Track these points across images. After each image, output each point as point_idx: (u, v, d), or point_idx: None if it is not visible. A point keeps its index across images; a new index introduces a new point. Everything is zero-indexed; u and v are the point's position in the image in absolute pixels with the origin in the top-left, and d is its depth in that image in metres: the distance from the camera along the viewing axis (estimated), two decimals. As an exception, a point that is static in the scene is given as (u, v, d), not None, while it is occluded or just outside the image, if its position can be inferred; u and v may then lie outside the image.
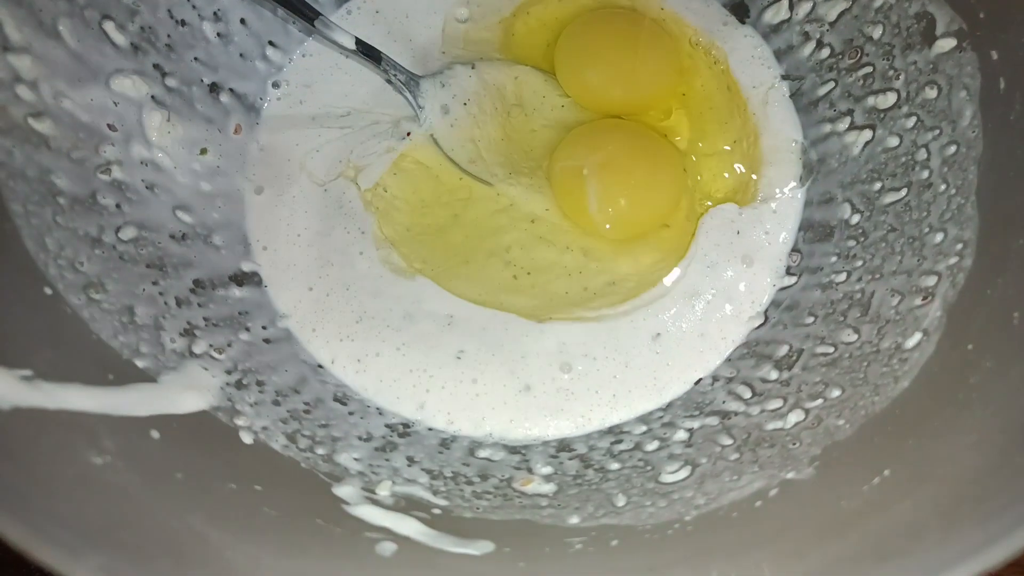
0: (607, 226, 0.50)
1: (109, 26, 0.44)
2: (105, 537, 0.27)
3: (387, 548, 0.36)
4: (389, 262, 0.50)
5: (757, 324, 0.50)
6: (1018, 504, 0.27)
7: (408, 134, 0.52)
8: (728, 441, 0.43)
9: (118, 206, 0.43)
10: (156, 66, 0.47)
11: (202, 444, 0.38)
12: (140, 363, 0.39)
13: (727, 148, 0.53)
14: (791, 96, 0.53)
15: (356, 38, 0.49)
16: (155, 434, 0.36)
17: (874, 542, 0.30)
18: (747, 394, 0.46)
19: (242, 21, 0.51)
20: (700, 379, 0.49)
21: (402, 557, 0.35)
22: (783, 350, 0.47)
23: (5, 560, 0.30)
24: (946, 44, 0.44)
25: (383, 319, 0.49)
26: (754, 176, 0.52)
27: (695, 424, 0.46)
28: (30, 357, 0.33)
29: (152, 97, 0.46)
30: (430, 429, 0.48)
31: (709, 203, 0.52)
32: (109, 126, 0.44)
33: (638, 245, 0.51)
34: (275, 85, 0.53)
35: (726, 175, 0.52)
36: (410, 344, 0.49)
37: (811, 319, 0.47)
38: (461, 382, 0.48)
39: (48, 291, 0.37)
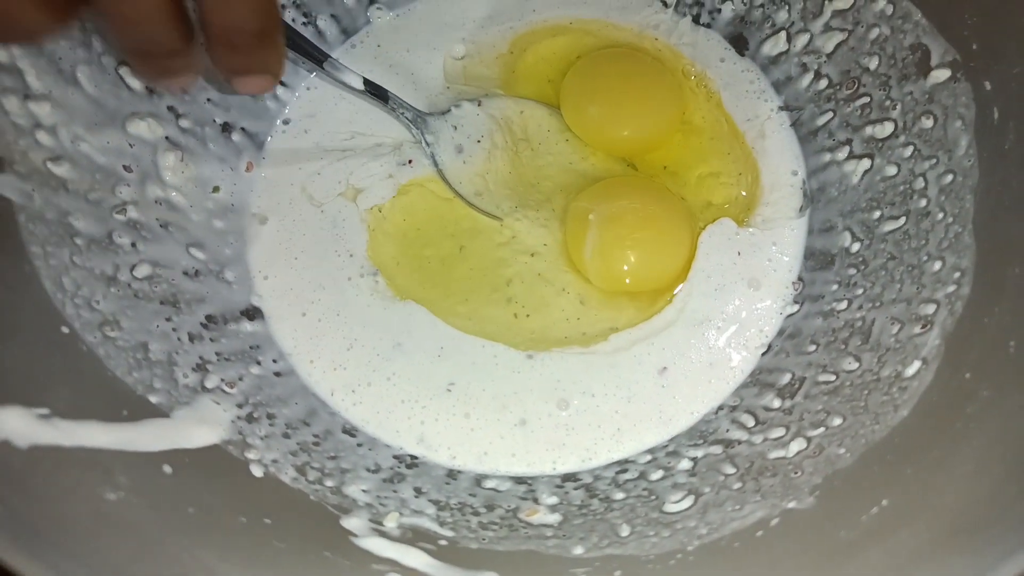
0: (597, 278, 0.51)
1: (125, 71, 0.46)
2: (116, 570, 0.28)
3: (394, 580, 0.36)
4: (376, 291, 0.51)
5: (762, 352, 0.50)
6: (1013, 534, 0.28)
7: (410, 161, 0.54)
8: (731, 470, 0.43)
9: (133, 245, 0.45)
10: (170, 108, 0.48)
11: (213, 478, 0.39)
12: (153, 399, 0.40)
13: (729, 178, 0.53)
14: (791, 126, 0.54)
15: (364, 78, 0.51)
16: (168, 469, 0.37)
17: (872, 571, 0.30)
18: (750, 423, 0.46)
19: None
20: (704, 408, 0.49)
21: (408, 589, 0.36)
22: (786, 378, 0.47)
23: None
24: (941, 75, 0.44)
25: (373, 347, 0.50)
26: (743, 193, 0.53)
27: (699, 453, 0.46)
28: (47, 395, 0.34)
29: (166, 138, 0.48)
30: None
31: (719, 206, 0.53)
32: (125, 167, 0.46)
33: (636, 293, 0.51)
34: (285, 122, 0.55)
35: (723, 192, 0.53)
36: (400, 374, 0.49)
37: (813, 347, 0.47)
38: (454, 415, 0.49)
39: (65, 330, 0.38)
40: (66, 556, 0.27)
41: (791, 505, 0.38)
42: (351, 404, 0.49)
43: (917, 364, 0.41)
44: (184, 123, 0.49)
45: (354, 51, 0.57)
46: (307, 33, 0.55)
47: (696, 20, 0.57)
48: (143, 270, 0.45)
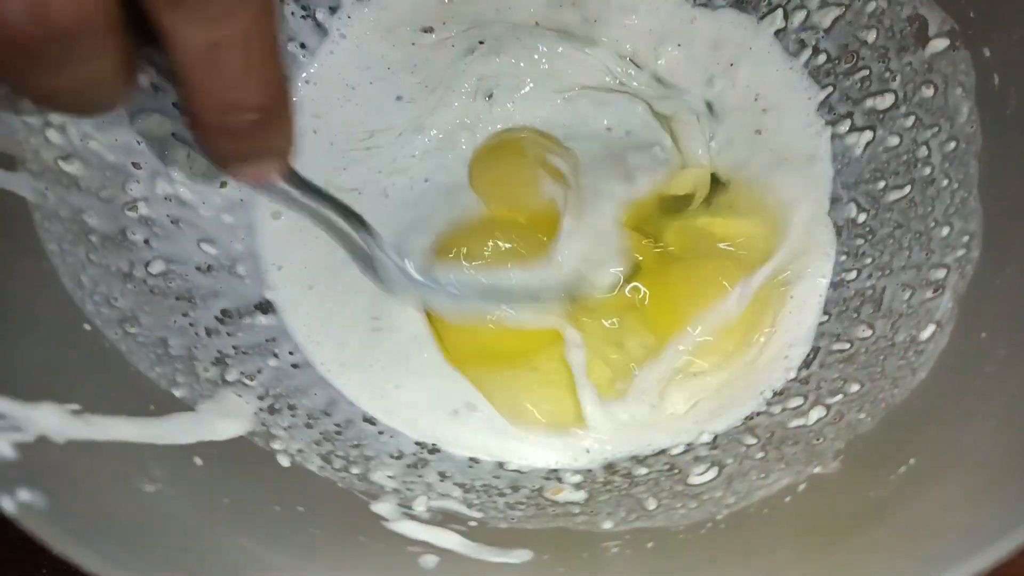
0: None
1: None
2: (170, 560, 0.28)
3: (430, 561, 0.37)
4: None
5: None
6: (1044, 483, 0.28)
7: None
8: (752, 441, 0.44)
9: (146, 241, 0.45)
10: (175, 105, 0.48)
11: (243, 469, 0.39)
12: (177, 393, 0.40)
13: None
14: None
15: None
16: (198, 461, 0.37)
17: (906, 527, 0.31)
18: (768, 394, 0.47)
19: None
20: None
21: (445, 569, 0.36)
22: (800, 349, 0.48)
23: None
24: (939, 44, 0.45)
25: (394, 347, 0.49)
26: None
27: (719, 427, 0.47)
28: (77, 391, 0.34)
29: (173, 135, 0.48)
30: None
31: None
32: (134, 164, 0.45)
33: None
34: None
35: None
36: (417, 372, 0.49)
37: (825, 317, 0.48)
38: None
39: (87, 327, 0.38)
40: (117, 545, 0.27)
41: (816, 470, 0.39)
42: (368, 399, 0.49)
43: (931, 328, 0.41)
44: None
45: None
46: (306, 27, 0.55)
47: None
48: (157, 266, 0.45)
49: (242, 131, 0.29)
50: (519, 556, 0.38)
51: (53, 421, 0.32)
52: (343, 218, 0.45)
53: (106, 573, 0.25)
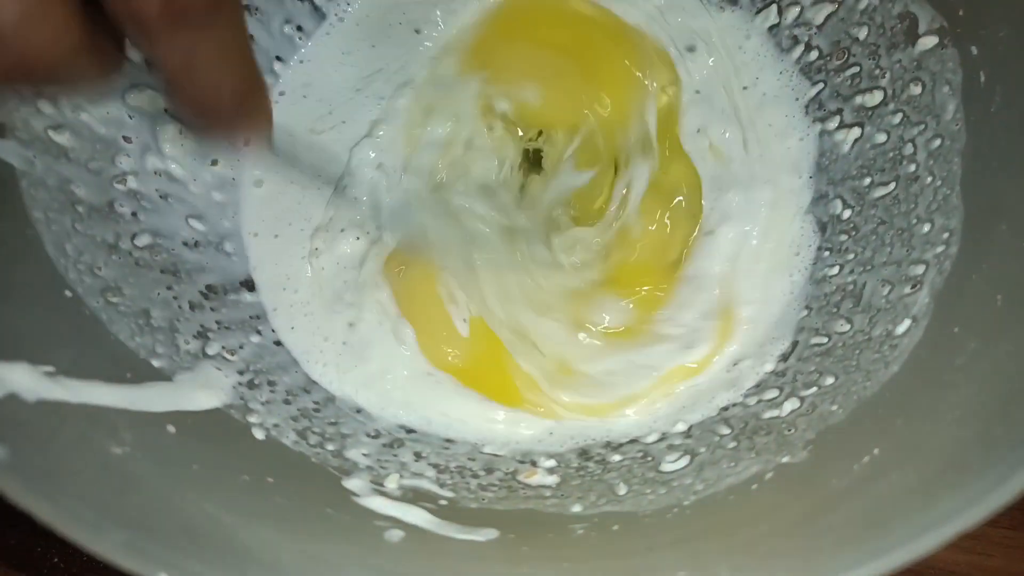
0: None
1: (125, 43, 0.46)
2: (126, 517, 0.29)
3: (395, 535, 0.37)
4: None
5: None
6: (995, 469, 0.28)
7: None
8: (726, 431, 0.44)
9: (134, 214, 0.45)
10: (168, 82, 0.49)
11: (216, 439, 0.40)
12: (156, 363, 0.41)
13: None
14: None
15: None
16: (171, 428, 0.37)
17: (862, 511, 0.31)
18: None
19: (250, 37, 0.53)
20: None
21: (409, 543, 0.37)
22: (778, 343, 0.48)
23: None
24: (928, 42, 0.45)
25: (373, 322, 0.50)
26: None
27: (694, 417, 0.47)
28: (52, 354, 0.35)
29: (165, 110, 0.48)
30: (436, 428, 0.49)
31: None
32: (125, 138, 0.46)
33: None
34: (281, 93, 0.55)
35: None
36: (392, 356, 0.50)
37: (805, 312, 0.48)
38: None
39: (68, 294, 0.39)
40: (76, 500, 0.28)
41: (785, 460, 0.39)
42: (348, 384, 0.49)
43: (907, 322, 0.41)
44: (182, 96, 0.49)
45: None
46: (304, 10, 0.56)
47: (687, -6, 0.57)
48: (143, 239, 0.45)
49: (222, 111, 0.31)
50: (485, 534, 0.38)
51: (25, 380, 0.32)
52: (322, 177, 0.49)
53: (60, 524, 0.26)
